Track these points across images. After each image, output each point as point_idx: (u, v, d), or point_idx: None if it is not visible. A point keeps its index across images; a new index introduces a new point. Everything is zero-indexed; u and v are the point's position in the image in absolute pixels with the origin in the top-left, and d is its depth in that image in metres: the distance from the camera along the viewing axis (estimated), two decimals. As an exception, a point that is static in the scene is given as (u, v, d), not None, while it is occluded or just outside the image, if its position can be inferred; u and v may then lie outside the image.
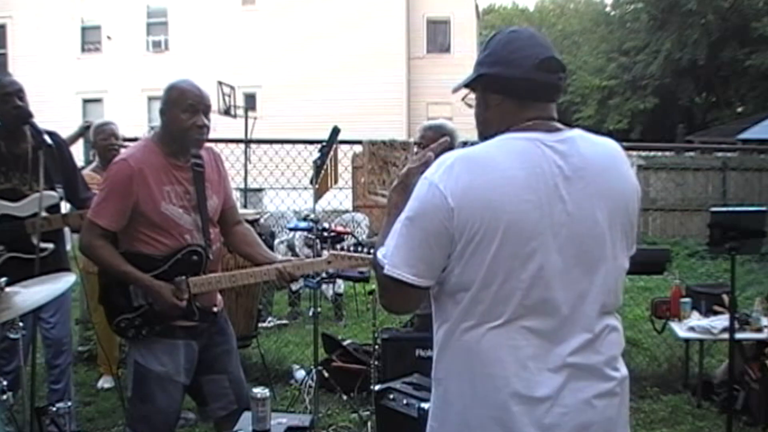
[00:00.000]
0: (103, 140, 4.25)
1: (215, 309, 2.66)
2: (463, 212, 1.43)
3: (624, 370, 1.58)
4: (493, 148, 1.50)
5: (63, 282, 2.53)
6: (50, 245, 3.05)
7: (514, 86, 1.54)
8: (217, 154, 2.78)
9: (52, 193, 3.01)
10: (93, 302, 4.33)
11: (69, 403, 2.76)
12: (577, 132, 1.56)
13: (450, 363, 1.55)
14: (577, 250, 1.48)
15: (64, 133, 4.42)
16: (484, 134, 1.59)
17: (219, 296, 2.75)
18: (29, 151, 3.09)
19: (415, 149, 3.76)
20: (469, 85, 1.62)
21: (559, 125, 1.56)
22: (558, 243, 1.46)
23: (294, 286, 6.55)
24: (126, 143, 4.58)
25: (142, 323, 2.52)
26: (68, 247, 6.29)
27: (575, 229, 1.48)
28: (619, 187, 1.55)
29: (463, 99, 1.68)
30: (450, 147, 3.90)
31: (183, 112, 2.47)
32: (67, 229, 4.52)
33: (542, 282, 1.46)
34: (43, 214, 2.98)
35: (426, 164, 1.59)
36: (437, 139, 3.61)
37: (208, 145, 2.73)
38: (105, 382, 4.49)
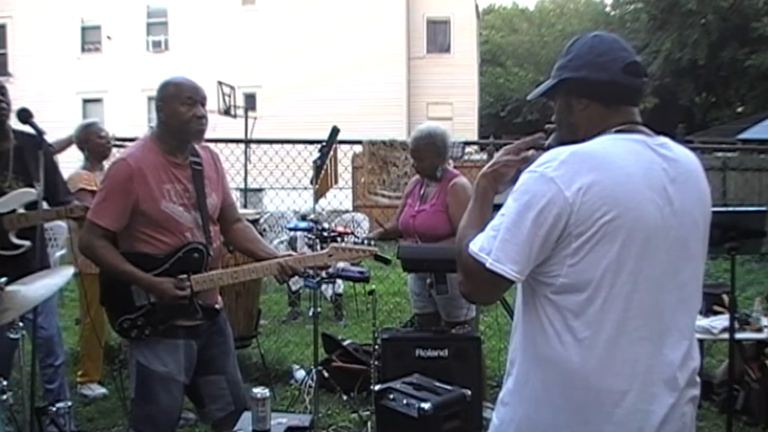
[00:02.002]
0: (98, 138, 4.24)
1: (217, 306, 2.67)
2: (584, 208, 1.39)
3: None
4: (607, 145, 1.48)
5: (62, 276, 2.52)
6: (27, 242, 3.05)
7: (602, 90, 1.53)
8: (215, 152, 2.78)
9: (30, 189, 3.02)
10: (88, 304, 4.34)
11: (69, 403, 2.76)
12: (668, 139, 1.57)
13: (544, 370, 1.48)
14: (682, 253, 1.50)
15: (64, 133, 4.43)
16: (570, 139, 1.54)
17: (219, 296, 2.75)
18: (11, 150, 3.10)
19: (412, 161, 3.75)
20: (552, 91, 1.61)
21: (650, 131, 1.56)
22: (668, 244, 1.47)
23: (294, 287, 6.55)
24: (126, 143, 4.59)
25: (144, 323, 2.52)
26: (63, 251, 6.30)
27: (681, 231, 1.50)
28: (707, 193, 1.60)
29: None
30: (444, 150, 3.88)
31: (181, 105, 2.48)
32: (63, 233, 4.51)
33: (657, 284, 1.46)
34: (20, 210, 3.01)
35: (527, 161, 1.55)
36: (431, 149, 3.64)
37: (205, 143, 2.74)
38: (98, 389, 4.44)
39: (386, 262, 3.28)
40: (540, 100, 1.74)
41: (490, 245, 1.44)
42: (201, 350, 2.63)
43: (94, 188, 3.36)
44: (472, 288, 1.52)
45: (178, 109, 2.48)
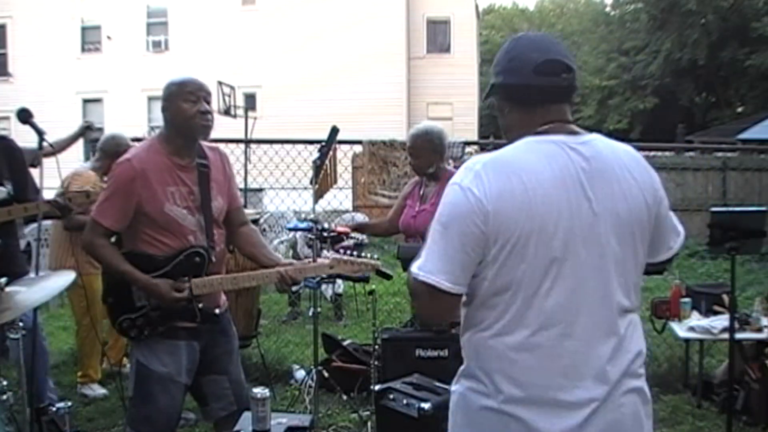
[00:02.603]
0: (116, 146, 4.20)
1: (217, 311, 2.65)
2: (500, 215, 1.45)
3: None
4: (520, 151, 1.52)
5: (63, 280, 2.53)
6: None
7: (517, 93, 1.58)
8: (224, 154, 2.76)
9: (0, 188, 3.06)
10: (81, 306, 4.33)
11: (69, 403, 2.76)
12: (597, 135, 1.59)
13: (482, 369, 1.55)
14: (603, 250, 1.51)
15: (64, 133, 4.43)
16: (508, 140, 1.60)
17: (223, 297, 2.74)
18: None
19: (410, 159, 3.75)
20: (488, 96, 1.66)
21: (577, 129, 1.58)
22: (586, 243, 1.49)
23: (294, 287, 6.54)
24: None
25: (144, 323, 2.52)
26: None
27: (601, 228, 1.50)
28: (637, 188, 1.56)
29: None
30: (441, 149, 3.87)
31: (185, 102, 2.47)
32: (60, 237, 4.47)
33: (577, 282, 1.49)
34: None
35: None
36: (428, 147, 3.63)
37: (215, 145, 2.73)
38: (99, 389, 4.44)
39: (387, 277, 3.25)
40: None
41: (423, 260, 1.52)
42: (204, 350, 2.62)
43: (89, 189, 3.36)
44: (418, 306, 1.59)
45: (182, 106, 2.47)
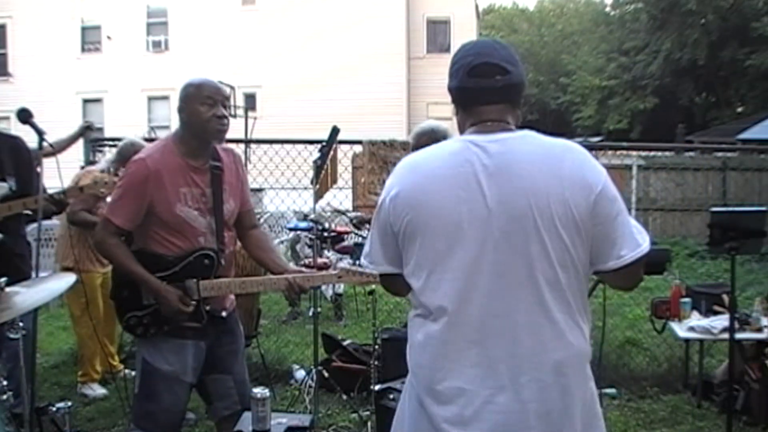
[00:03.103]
0: (135, 151, 4.21)
1: (224, 314, 2.66)
2: (397, 208, 1.61)
3: (560, 356, 1.55)
4: (430, 151, 1.67)
5: (63, 282, 2.53)
6: None
7: (456, 96, 1.68)
8: (238, 156, 2.75)
9: (2, 183, 3.07)
10: (79, 302, 4.32)
11: (69, 403, 2.76)
12: (522, 132, 1.61)
13: (408, 352, 1.72)
14: (499, 244, 1.52)
15: (64, 133, 4.43)
16: None
17: (231, 297, 2.74)
18: None
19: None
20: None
21: (504, 125, 1.62)
22: (479, 237, 1.53)
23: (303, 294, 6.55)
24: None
25: (150, 322, 2.52)
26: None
27: (495, 223, 1.52)
28: (553, 185, 1.52)
29: None
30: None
31: (201, 105, 2.47)
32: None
33: (464, 275, 1.54)
34: None
35: None
36: (431, 144, 3.62)
37: (229, 146, 2.73)
38: (99, 389, 4.43)
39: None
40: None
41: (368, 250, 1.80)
42: (210, 349, 2.63)
43: (93, 191, 3.36)
44: (382, 284, 1.83)
45: (198, 109, 2.47)
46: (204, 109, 2.47)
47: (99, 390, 4.40)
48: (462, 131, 1.68)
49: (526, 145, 1.59)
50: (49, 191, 3.17)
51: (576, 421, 1.56)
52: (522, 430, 1.53)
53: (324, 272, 2.71)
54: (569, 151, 1.58)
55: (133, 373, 4.21)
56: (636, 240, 1.58)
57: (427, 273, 1.58)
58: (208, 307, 2.55)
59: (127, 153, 4.26)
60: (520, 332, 1.53)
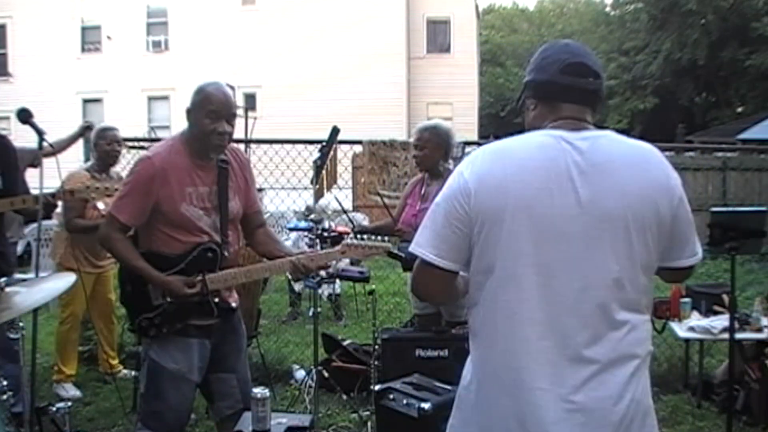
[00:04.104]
0: (106, 145, 4.25)
1: (234, 305, 2.67)
2: (480, 195, 1.54)
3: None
4: (514, 141, 1.62)
5: (63, 282, 2.53)
6: None
7: (543, 89, 1.66)
8: (245, 157, 2.76)
9: None
10: (61, 299, 4.32)
11: (69, 403, 2.77)
12: (605, 132, 1.63)
13: (475, 349, 1.64)
14: (585, 242, 1.52)
15: (64, 133, 4.43)
16: None
17: (235, 294, 2.75)
18: None
19: (414, 152, 3.76)
20: (520, 96, 1.75)
21: (587, 125, 1.63)
22: (568, 233, 1.52)
23: (296, 287, 6.55)
24: (125, 143, 4.58)
25: (162, 321, 2.54)
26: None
27: (586, 221, 1.52)
28: (640, 186, 1.55)
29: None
30: (447, 148, 3.93)
31: (206, 116, 2.48)
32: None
33: (554, 269, 1.52)
34: None
35: None
36: (434, 141, 3.64)
37: (237, 146, 2.75)
38: (72, 390, 4.37)
39: (400, 259, 3.24)
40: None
41: (417, 236, 1.64)
42: (214, 348, 2.64)
43: (83, 195, 3.36)
44: (415, 280, 1.68)
45: (202, 120, 2.49)
46: (207, 121, 2.48)
47: (72, 391, 4.33)
48: (537, 126, 1.64)
49: (615, 145, 1.60)
50: (34, 192, 3.17)
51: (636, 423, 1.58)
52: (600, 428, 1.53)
53: (327, 250, 2.70)
54: (652, 153, 1.62)
55: (133, 373, 4.23)
56: (695, 236, 1.68)
57: (508, 265, 1.53)
58: (216, 300, 2.56)
59: (94, 137, 4.29)
60: (601, 331, 1.53)
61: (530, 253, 1.51)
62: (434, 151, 3.63)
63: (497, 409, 1.58)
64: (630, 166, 1.57)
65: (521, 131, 1.69)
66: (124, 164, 6.13)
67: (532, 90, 1.69)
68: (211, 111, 2.48)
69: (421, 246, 1.60)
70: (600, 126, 1.67)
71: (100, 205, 4.22)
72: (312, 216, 4.10)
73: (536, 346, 1.53)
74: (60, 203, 3.65)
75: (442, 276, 1.60)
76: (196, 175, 2.54)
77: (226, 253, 2.57)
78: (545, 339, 1.52)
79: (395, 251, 2.99)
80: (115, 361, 4.68)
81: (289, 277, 2.55)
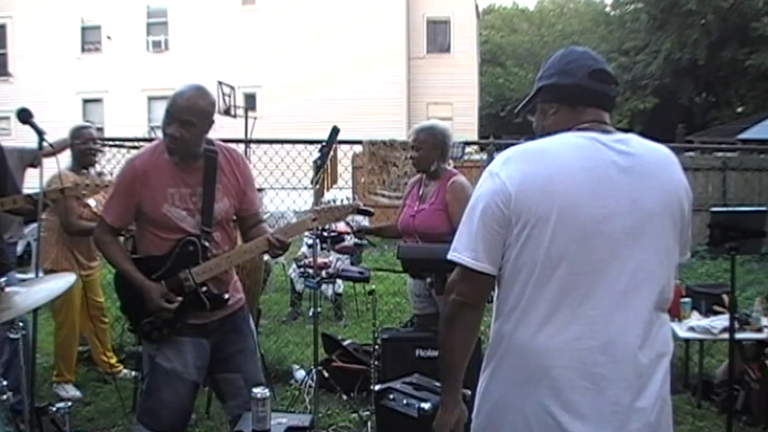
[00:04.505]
0: (81, 144, 4.18)
1: (226, 296, 2.66)
2: (521, 197, 1.53)
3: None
4: (551, 142, 1.62)
5: (63, 282, 2.53)
6: None
7: (569, 92, 1.68)
8: (241, 157, 2.74)
9: None
10: (57, 303, 4.30)
11: (69, 403, 2.76)
12: (632, 135, 1.67)
13: (504, 353, 1.63)
14: (630, 241, 1.55)
15: (65, 133, 4.43)
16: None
17: (238, 295, 2.75)
18: None
19: (410, 153, 3.76)
20: (532, 101, 1.76)
21: (611, 129, 1.67)
22: (613, 232, 1.54)
23: (297, 287, 6.56)
24: (125, 143, 4.57)
25: (163, 324, 2.57)
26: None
27: (629, 220, 1.55)
28: (672, 186, 1.62)
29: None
30: (443, 148, 3.92)
31: (165, 116, 2.52)
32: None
33: (596, 268, 1.54)
34: None
35: None
36: (430, 141, 3.64)
37: (232, 146, 2.74)
38: (72, 390, 4.36)
39: (369, 213, 3.31)
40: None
41: (455, 242, 1.64)
42: (216, 348, 2.65)
43: (74, 193, 3.35)
44: (455, 287, 1.65)
45: (164, 119, 2.52)
46: (165, 122, 2.51)
47: (72, 391, 4.32)
48: (557, 129, 1.65)
49: (644, 147, 1.64)
50: (26, 191, 3.17)
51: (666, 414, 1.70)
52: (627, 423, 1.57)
53: (297, 220, 2.67)
54: (671, 155, 1.68)
55: (133, 373, 4.23)
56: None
57: (551, 268, 1.53)
58: (206, 293, 2.58)
59: (70, 136, 4.23)
60: (645, 330, 1.58)
61: (576, 252, 1.52)
62: (430, 152, 3.63)
63: (535, 409, 1.57)
64: (662, 167, 1.63)
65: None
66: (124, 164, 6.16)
67: (554, 93, 1.69)
68: (167, 111, 2.51)
69: (458, 251, 1.60)
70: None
71: (91, 202, 4.21)
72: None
73: (582, 344, 1.54)
74: (49, 204, 3.60)
75: (478, 279, 1.60)
76: (179, 176, 2.55)
77: (207, 243, 2.57)
78: (593, 339, 1.54)
79: (363, 207, 3.01)
80: (114, 360, 4.68)
81: (270, 254, 2.55)
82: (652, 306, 1.59)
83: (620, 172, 1.56)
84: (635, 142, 1.64)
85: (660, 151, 1.66)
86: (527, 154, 1.59)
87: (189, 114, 2.49)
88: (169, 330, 2.57)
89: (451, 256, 1.61)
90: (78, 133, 4.22)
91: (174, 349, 2.58)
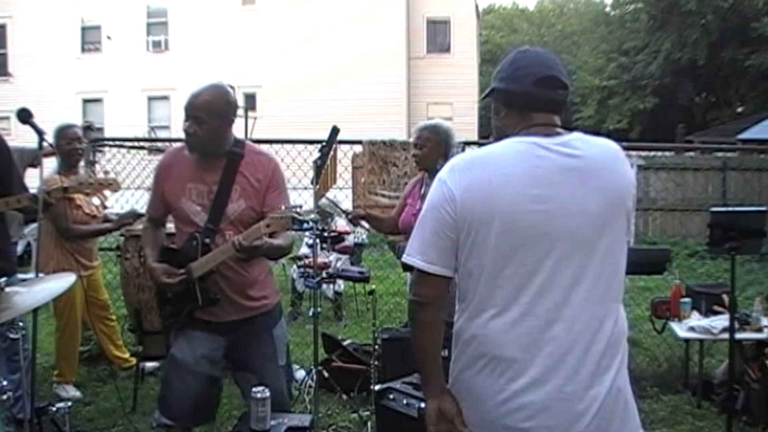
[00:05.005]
0: (66, 144, 4.14)
1: (217, 296, 2.64)
2: (466, 203, 1.62)
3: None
4: (493, 149, 1.70)
5: (63, 282, 2.53)
6: None
7: (516, 99, 1.74)
8: (271, 162, 2.72)
9: None
10: (59, 305, 4.29)
11: (69, 403, 2.77)
12: (576, 134, 1.72)
13: (461, 349, 1.72)
14: (573, 240, 1.62)
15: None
16: (496, 140, 1.76)
17: (259, 302, 2.74)
18: None
19: (413, 151, 3.76)
20: (487, 96, 1.83)
21: (558, 130, 1.72)
22: (555, 233, 1.61)
23: (298, 287, 6.56)
24: (125, 143, 4.57)
25: (170, 314, 2.71)
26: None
27: (574, 219, 1.62)
28: (619, 181, 1.68)
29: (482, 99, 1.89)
30: (446, 148, 3.92)
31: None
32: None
33: (542, 267, 1.60)
34: None
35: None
36: (434, 140, 3.64)
37: (266, 151, 2.79)
38: (72, 391, 4.36)
39: (301, 221, 3.33)
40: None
41: (408, 245, 1.74)
42: (233, 347, 2.71)
43: (80, 191, 3.35)
44: (413, 289, 1.75)
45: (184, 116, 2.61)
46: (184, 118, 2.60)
47: (72, 391, 4.32)
48: (509, 133, 1.72)
49: (587, 146, 1.69)
50: (32, 191, 3.17)
51: (619, 408, 1.69)
52: (582, 418, 1.61)
53: (253, 226, 2.65)
54: (617, 150, 1.74)
55: (149, 364, 4.37)
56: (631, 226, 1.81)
57: (499, 269, 1.61)
58: (199, 289, 2.60)
59: (54, 137, 4.15)
60: (590, 323, 1.63)
61: (521, 254, 1.60)
62: (433, 150, 3.63)
63: (492, 395, 1.65)
64: (607, 164, 1.68)
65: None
66: (124, 164, 6.16)
67: (503, 98, 1.76)
68: (185, 108, 2.59)
69: (411, 255, 1.70)
70: (569, 128, 1.76)
71: (95, 200, 4.20)
72: (312, 216, 4.09)
73: (532, 338, 1.61)
74: (52, 203, 3.60)
75: (432, 281, 1.69)
76: (199, 172, 2.63)
77: (207, 240, 2.59)
78: (545, 332, 1.61)
79: (298, 216, 2.97)
80: (126, 355, 4.66)
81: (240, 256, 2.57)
82: (604, 298, 1.65)
83: (563, 174, 1.62)
84: (579, 142, 1.69)
85: (605, 147, 1.72)
86: (471, 163, 1.68)
87: (199, 111, 2.56)
88: (174, 320, 2.66)
89: (405, 259, 1.71)
90: (62, 134, 4.17)
91: (187, 342, 2.66)
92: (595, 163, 1.66)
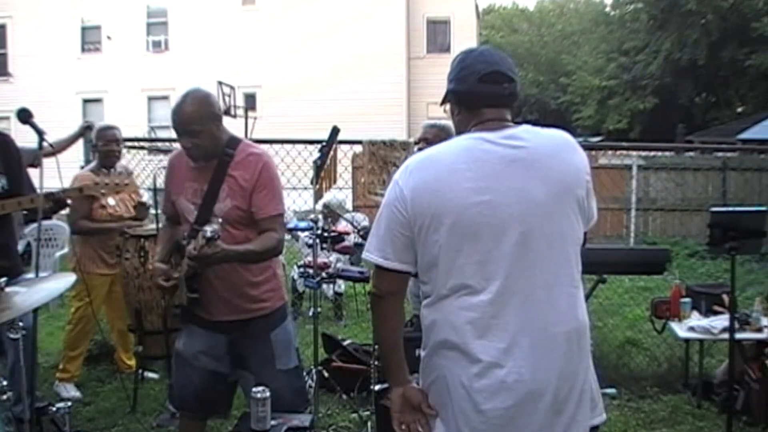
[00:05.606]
0: (104, 146, 4.28)
1: (196, 295, 2.64)
2: (415, 201, 1.71)
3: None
4: (442, 148, 1.80)
5: (63, 282, 2.53)
6: None
7: (463, 99, 1.83)
8: (262, 161, 2.67)
9: None
10: (75, 303, 4.31)
11: (69, 403, 2.77)
12: (522, 127, 1.79)
13: (426, 335, 1.83)
14: (520, 229, 1.67)
15: (65, 133, 4.43)
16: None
17: (261, 304, 2.73)
18: None
19: (416, 148, 3.78)
20: (444, 101, 1.93)
21: (507, 124, 1.79)
22: (501, 223, 1.67)
23: (299, 287, 6.56)
24: (125, 143, 4.58)
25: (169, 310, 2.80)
26: (64, 250, 6.28)
27: (518, 208, 1.68)
28: (569, 167, 1.75)
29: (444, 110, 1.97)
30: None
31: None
32: (64, 233, 4.43)
33: (493, 257, 1.67)
34: None
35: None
36: (441, 137, 3.66)
37: (260, 150, 2.73)
38: (73, 390, 4.36)
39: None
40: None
41: (367, 242, 1.83)
42: (233, 345, 2.74)
43: (93, 192, 3.35)
44: (372, 283, 1.87)
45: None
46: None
47: (72, 391, 4.32)
48: (463, 131, 1.81)
49: (533, 136, 1.75)
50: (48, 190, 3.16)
51: (576, 391, 1.72)
52: (538, 399, 1.67)
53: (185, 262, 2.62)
54: (566, 138, 1.81)
55: (149, 374, 4.38)
56: (593, 211, 1.87)
57: (452, 260, 1.68)
58: (187, 288, 2.64)
59: (95, 136, 4.35)
60: (540, 307, 1.68)
61: (471, 245, 1.67)
62: None
63: (452, 377, 1.73)
64: (555, 152, 1.74)
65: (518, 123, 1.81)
66: (124, 163, 6.15)
67: (453, 98, 1.85)
68: (173, 128, 2.62)
69: (369, 252, 1.80)
70: (528, 122, 1.84)
71: (111, 201, 4.24)
72: (312, 216, 4.10)
73: (487, 322, 1.68)
74: (69, 202, 3.65)
75: (389, 276, 1.79)
76: (194, 172, 2.69)
77: (192, 240, 2.59)
78: (498, 323, 1.68)
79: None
80: (131, 362, 4.66)
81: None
82: (556, 284, 1.70)
83: (507, 166, 1.69)
84: (526, 133, 1.75)
85: (551, 137, 1.78)
86: (421, 163, 1.77)
87: (190, 124, 2.57)
88: (186, 318, 2.75)
89: (365, 255, 1.81)
90: (100, 134, 4.31)
91: (188, 337, 2.77)
92: (539, 153, 1.72)
